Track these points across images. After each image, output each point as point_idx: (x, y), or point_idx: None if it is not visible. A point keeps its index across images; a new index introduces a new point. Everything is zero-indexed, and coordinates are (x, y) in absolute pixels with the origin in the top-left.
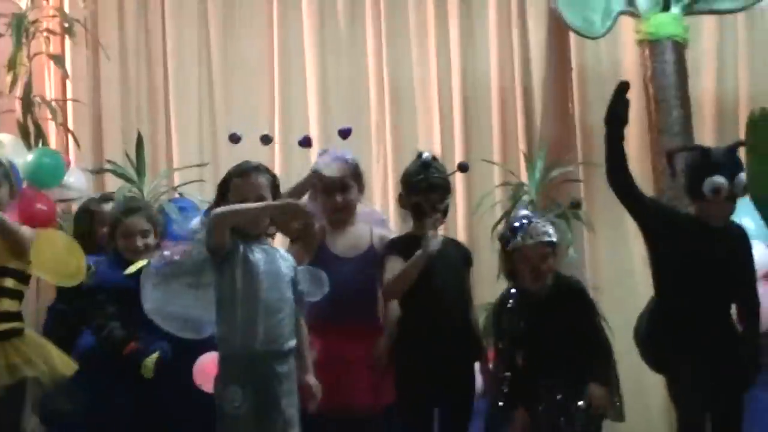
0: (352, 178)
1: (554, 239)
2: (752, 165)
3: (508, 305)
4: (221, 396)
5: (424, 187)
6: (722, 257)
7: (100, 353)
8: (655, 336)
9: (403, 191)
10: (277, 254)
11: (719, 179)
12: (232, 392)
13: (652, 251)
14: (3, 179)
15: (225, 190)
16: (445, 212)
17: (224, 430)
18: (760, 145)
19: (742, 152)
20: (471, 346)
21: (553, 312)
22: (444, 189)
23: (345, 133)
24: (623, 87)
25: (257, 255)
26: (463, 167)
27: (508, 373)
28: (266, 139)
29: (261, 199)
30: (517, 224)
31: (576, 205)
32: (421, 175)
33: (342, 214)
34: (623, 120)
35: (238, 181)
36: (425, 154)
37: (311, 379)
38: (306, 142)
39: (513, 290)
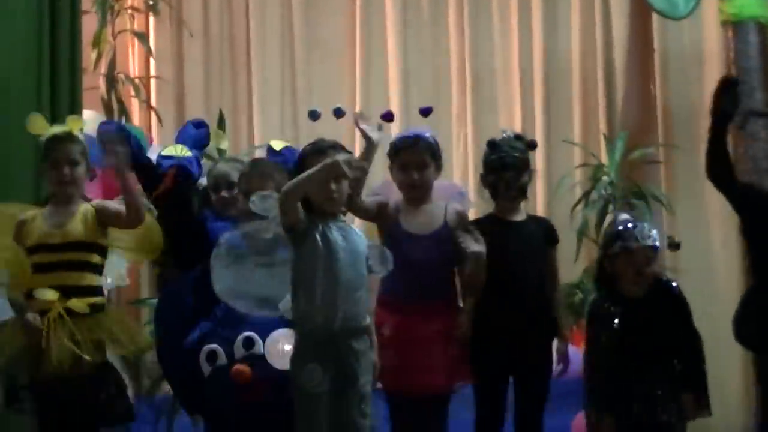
0: (430, 156)
1: (658, 244)
2: None
3: (604, 308)
4: (299, 374)
5: (498, 166)
6: None
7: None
8: (751, 317)
9: (482, 170)
10: (353, 232)
11: None
12: (310, 371)
13: (748, 235)
14: (80, 157)
15: (302, 169)
16: (522, 190)
17: (302, 409)
18: None
19: None
20: (548, 324)
21: (650, 315)
22: (518, 167)
23: (426, 112)
24: (729, 82)
25: (335, 233)
26: (531, 144)
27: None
28: (338, 112)
29: (339, 177)
30: (621, 228)
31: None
32: (495, 154)
33: (417, 192)
34: (730, 115)
35: (315, 160)
36: (506, 133)
37: (375, 357)
38: (388, 116)
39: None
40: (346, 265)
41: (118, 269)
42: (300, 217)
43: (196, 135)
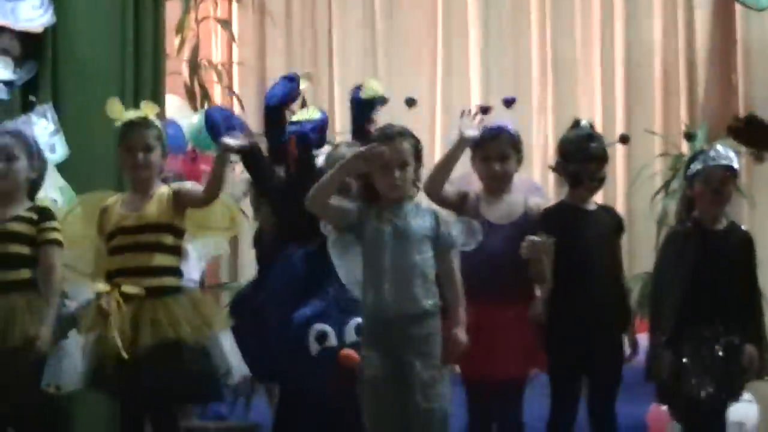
0: (512, 148)
1: (736, 165)
2: None
3: (683, 233)
4: (362, 361)
5: (583, 157)
6: None
7: None
8: None
9: (560, 158)
10: (413, 216)
11: None
12: (368, 358)
13: None
14: (156, 142)
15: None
16: (601, 181)
17: (364, 396)
18: None
19: None
20: (620, 315)
21: (726, 249)
22: (602, 159)
23: (509, 102)
24: None
25: (386, 221)
26: (624, 138)
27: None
28: (410, 102)
29: (404, 164)
30: (700, 152)
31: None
32: (581, 144)
33: (499, 183)
34: None
35: (375, 151)
36: (583, 122)
37: (460, 333)
38: (509, 101)
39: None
40: (394, 252)
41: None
42: (346, 212)
43: (286, 88)
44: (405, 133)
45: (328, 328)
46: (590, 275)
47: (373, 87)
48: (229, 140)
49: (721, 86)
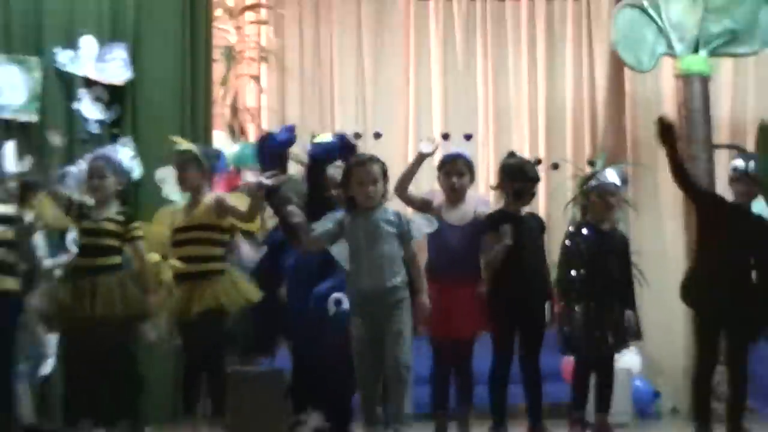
0: (467, 168)
1: (619, 184)
2: (761, 161)
3: (582, 232)
4: (351, 324)
5: (525, 178)
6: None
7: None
8: (690, 286)
9: (504, 179)
10: (380, 217)
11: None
12: (355, 323)
13: (699, 223)
14: (194, 163)
15: (348, 177)
16: (533, 196)
17: (354, 351)
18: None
19: None
20: (543, 291)
21: (611, 244)
22: (537, 180)
23: (468, 137)
24: (661, 122)
25: (359, 223)
26: (555, 166)
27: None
28: (377, 135)
29: (375, 181)
30: (595, 173)
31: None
32: (523, 168)
33: (457, 194)
34: (670, 142)
35: (357, 169)
36: (518, 154)
37: (423, 299)
38: (446, 137)
39: (583, 226)
40: (368, 245)
41: None
42: (328, 235)
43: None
44: (374, 159)
45: (342, 295)
46: (523, 263)
47: (322, 136)
48: (259, 180)
49: (614, 127)
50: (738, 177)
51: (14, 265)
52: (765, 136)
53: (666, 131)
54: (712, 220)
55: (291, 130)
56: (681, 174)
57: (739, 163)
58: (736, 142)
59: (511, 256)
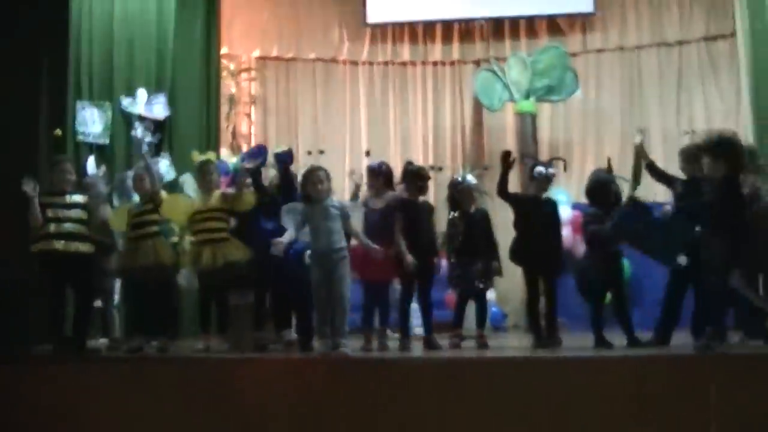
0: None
1: (475, 182)
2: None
3: (455, 219)
4: (311, 273)
5: (424, 177)
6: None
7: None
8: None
9: (409, 178)
10: (329, 205)
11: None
12: (313, 271)
13: (515, 211)
14: (214, 170)
15: (305, 180)
16: (427, 189)
17: (312, 288)
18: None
19: None
20: (433, 250)
21: (476, 220)
22: (429, 178)
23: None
24: (504, 153)
25: (315, 209)
26: (439, 168)
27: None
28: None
29: (323, 182)
30: (462, 176)
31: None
32: (422, 171)
33: (379, 191)
34: (505, 167)
35: (311, 174)
36: (415, 162)
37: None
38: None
39: (456, 213)
40: (321, 222)
41: None
42: (300, 221)
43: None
44: (321, 168)
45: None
46: (419, 234)
47: (281, 147)
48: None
49: (476, 146)
50: (537, 178)
51: (88, 236)
52: (753, 158)
53: (505, 158)
54: (522, 210)
55: (261, 147)
56: (500, 190)
57: (540, 168)
58: (554, 156)
59: (410, 230)
